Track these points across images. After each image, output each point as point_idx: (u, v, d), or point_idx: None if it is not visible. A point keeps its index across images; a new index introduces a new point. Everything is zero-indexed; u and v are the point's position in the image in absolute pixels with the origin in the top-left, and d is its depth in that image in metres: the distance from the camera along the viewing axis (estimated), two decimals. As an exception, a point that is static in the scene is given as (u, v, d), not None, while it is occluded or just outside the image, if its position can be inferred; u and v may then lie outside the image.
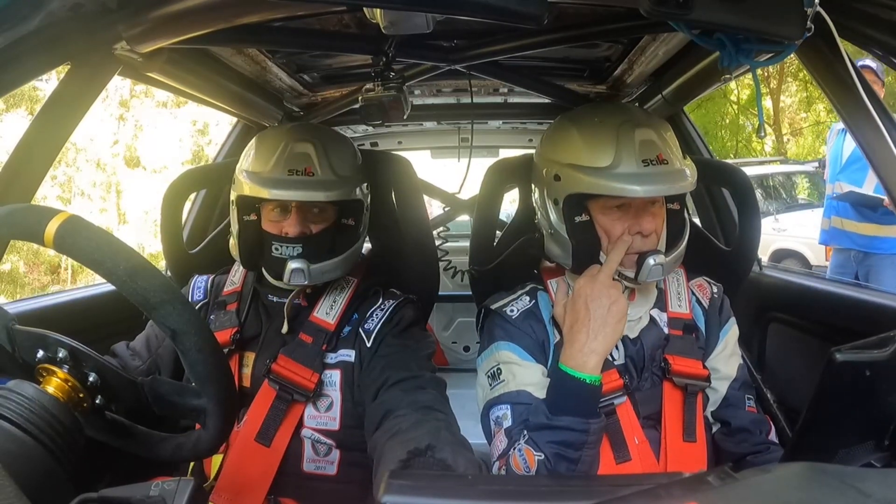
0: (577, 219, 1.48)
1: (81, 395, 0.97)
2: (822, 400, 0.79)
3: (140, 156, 14.70)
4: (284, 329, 1.63)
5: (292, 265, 1.52)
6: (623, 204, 1.45)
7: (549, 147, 1.58)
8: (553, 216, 1.53)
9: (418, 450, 1.13)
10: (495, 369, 1.52)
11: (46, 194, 13.24)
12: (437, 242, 2.73)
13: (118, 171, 14.56)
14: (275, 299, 1.66)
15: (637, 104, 2.45)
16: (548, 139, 1.61)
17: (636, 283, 1.49)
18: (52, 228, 0.91)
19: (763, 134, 1.58)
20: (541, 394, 1.46)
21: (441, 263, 2.47)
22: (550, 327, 1.56)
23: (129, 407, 1.06)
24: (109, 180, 14.42)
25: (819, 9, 1.02)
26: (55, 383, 0.95)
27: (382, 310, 1.65)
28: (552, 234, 1.56)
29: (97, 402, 1.00)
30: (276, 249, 1.55)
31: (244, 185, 1.54)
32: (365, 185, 1.69)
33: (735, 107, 14.02)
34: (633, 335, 1.55)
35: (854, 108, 1.19)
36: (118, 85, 13.46)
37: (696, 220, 2.43)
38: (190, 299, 1.72)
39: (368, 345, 1.60)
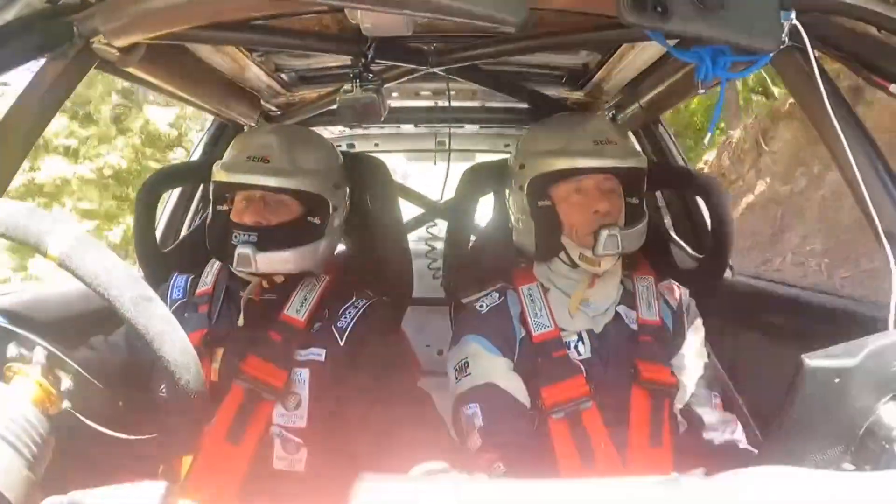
0: (540, 203, 1.59)
1: (52, 399, 0.94)
2: (792, 405, 0.80)
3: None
4: (240, 322, 1.63)
5: (239, 250, 1.55)
6: (581, 188, 1.56)
7: (519, 146, 1.73)
8: (519, 204, 1.64)
9: None
10: (463, 362, 1.57)
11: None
12: (426, 238, 2.75)
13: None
14: (251, 297, 1.66)
15: (614, 112, 2.48)
16: (520, 142, 1.75)
17: (596, 261, 1.56)
18: (57, 243, 0.87)
19: (707, 142, 1.67)
20: (506, 385, 1.51)
21: (427, 260, 2.48)
22: (517, 324, 1.60)
23: (98, 413, 1.04)
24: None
25: (795, 21, 1.04)
26: (26, 384, 0.92)
27: (356, 308, 1.66)
28: (519, 224, 1.67)
29: (65, 405, 0.98)
30: (236, 237, 1.59)
31: (213, 174, 1.62)
32: (336, 185, 1.70)
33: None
34: (598, 329, 1.60)
35: (826, 121, 1.21)
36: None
37: (670, 228, 2.46)
38: (169, 297, 1.72)
39: (341, 343, 1.60)
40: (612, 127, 1.63)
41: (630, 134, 1.67)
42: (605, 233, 1.52)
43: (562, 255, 1.61)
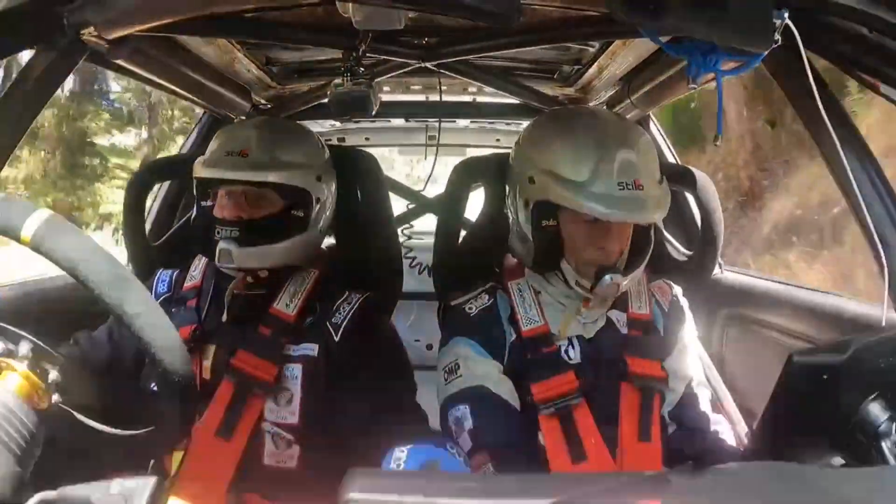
0: (545, 223, 1.51)
1: (40, 393, 0.94)
2: (781, 401, 0.81)
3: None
4: (224, 318, 1.63)
5: (221, 245, 1.55)
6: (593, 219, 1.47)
7: (528, 147, 1.60)
8: (521, 216, 1.56)
9: None
10: (453, 364, 1.55)
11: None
12: (402, 239, 2.72)
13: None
14: (235, 292, 1.65)
15: (605, 108, 2.48)
16: (528, 138, 1.63)
17: (591, 294, 1.52)
18: (31, 225, 0.87)
19: (719, 143, 1.62)
20: (497, 389, 1.50)
21: (406, 260, 2.47)
22: (508, 326, 1.58)
23: (87, 405, 1.03)
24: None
25: (788, 21, 1.04)
26: (14, 380, 0.91)
27: (349, 303, 1.65)
28: (518, 232, 1.60)
29: (54, 399, 0.97)
30: (218, 233, 1.58)
31: (194, 169, 1.61)
32: (320, 177, 1.69)
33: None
34: (588, 336, 1.58)
35: (817, 120, 1.22)
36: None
37: (661, 224, 2.46)
38: (154, 292, 1.71)
39: (336, 339, 1.60)
40: (637, 150, 1.47)
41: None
42: (607, 279, 1.46)
43: (558, 272, 1.56)
